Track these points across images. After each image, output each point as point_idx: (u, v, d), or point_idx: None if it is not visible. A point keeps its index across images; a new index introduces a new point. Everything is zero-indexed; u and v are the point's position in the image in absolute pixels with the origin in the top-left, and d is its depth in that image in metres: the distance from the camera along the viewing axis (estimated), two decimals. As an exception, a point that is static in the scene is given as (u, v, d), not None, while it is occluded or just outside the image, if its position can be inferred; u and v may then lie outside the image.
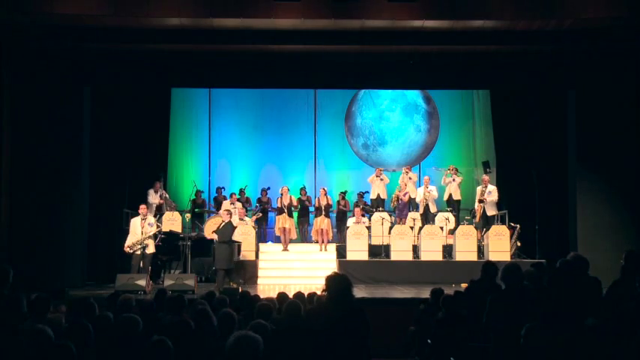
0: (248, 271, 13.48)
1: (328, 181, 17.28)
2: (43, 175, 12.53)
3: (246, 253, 13.65)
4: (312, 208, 15.39)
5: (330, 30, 12.34)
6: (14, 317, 4.77)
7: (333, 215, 15.57)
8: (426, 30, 12.31)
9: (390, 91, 17.44)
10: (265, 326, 4.71)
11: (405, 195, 15.00)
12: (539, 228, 13.95)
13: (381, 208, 14.99)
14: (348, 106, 17.91)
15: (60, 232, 12.67)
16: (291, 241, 14.90)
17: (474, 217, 14.70)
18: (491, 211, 14.35)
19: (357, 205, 15.24)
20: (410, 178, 15.33)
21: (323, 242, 14.54)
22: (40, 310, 5.27)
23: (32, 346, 4.11)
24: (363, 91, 17.68)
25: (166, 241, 12.54)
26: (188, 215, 14.81)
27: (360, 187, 16.37)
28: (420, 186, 15.36)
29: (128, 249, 11.87)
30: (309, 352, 4.45)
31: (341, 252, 14.29)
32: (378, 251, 14.15)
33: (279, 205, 14.78)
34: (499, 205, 14.46)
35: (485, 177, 14.78)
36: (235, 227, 12.58)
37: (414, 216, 14.80)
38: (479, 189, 14.68)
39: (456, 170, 15.34)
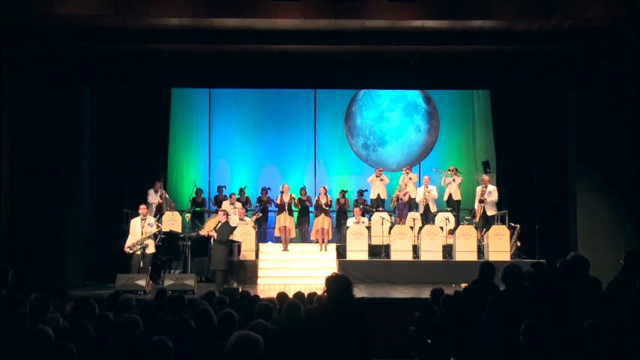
0: (248, 271, 13.49)
1: (328, 181, 17.25)
2: (43, 175, 12.52)
3: (246, 253, 13.65)
4: (312, 208, 15.39)
5: (330, 30, 12.35)
6: (13, 317, 4.78)
7: (334, 215, 15.57)
8: (426, 30, 12.31)
9: (390, 91, 17.42)
10: (265, 326, 4.72)
11: (405, 195, 15.00)
12: (539, 228, 13.93)
13: (381, 208, 14.98)
14: (348, 106, 17.89)
15: (60, 232, 12.66)
16: (291, 240, 14.89)
17: (474, 217, 14.70)
18: (491, 211, 14.35)
19: (356, 203, 15.24)
20: (410, 179, 15.34)
21: (323, 242, 14.54)
22: (40, 310, 5.26)
23: (32, 346, 4.11)
24: (363, 91, 17.66)
25: (166, 241, 12.53)
26: (188, 215, 14.80)
27: (360, 187, 16.32)
28: (420, 186, 15.37)
29: (128, 249, 11.87)
30: (309, 352, 4.45)
31: (341, 252, 14.29)
32: (378, 251, 14.15)
33: (279, 203, 14.78)
34: (499, 205, 14.47)
35: (485, 177, 14.77)
36: (234, 228, 12.55)
37: (414, 216, 14.79)
38: (479, 189, 14.68)
39: (456, 170, 15.33)
